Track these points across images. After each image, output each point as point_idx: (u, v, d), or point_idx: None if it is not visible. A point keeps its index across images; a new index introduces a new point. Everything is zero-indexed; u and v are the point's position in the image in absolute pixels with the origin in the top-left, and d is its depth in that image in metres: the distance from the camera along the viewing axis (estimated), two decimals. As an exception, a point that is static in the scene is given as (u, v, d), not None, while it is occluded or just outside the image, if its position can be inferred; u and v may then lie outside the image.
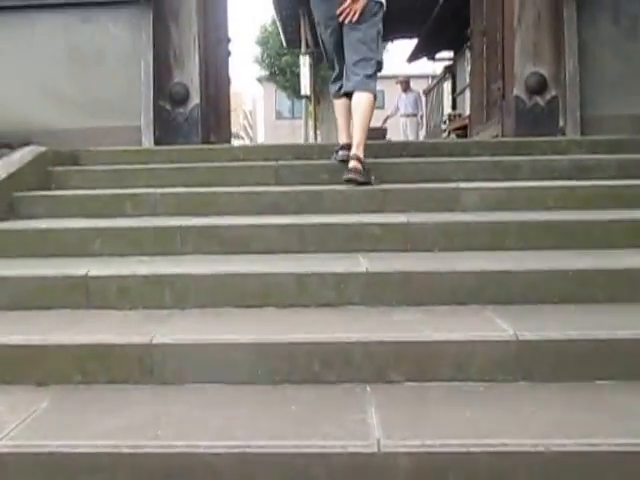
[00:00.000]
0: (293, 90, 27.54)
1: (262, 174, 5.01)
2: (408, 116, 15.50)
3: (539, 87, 7.86)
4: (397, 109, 15.69)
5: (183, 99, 7.94)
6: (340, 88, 5.06)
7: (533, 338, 2.74)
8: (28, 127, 7.73)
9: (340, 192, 4.45)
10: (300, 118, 28.91)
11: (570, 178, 4.82)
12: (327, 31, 4.99)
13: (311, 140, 16.70)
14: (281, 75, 28.33)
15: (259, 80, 35.11)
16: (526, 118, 7.82)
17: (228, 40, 9.99)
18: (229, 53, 10.13)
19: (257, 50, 29.72)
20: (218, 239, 3.92)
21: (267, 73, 29.96)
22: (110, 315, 3.26)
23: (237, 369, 2.78)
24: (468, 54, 15.95)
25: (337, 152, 5.11)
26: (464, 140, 5.33)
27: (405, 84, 15.70)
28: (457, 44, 16.33)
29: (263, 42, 29.13)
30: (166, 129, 7.93)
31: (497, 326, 2.88)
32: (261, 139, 56.71)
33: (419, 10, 13.60)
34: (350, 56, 4.82)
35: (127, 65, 7.90)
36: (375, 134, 14.38)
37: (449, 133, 14.78)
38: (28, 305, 3.37)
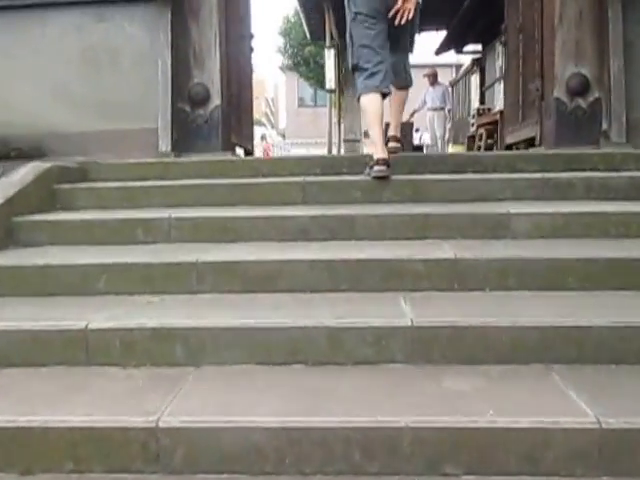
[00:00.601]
0: (317, 80, 26.97)
1: (287, 192, 4.51)
2: (436, 110, 14.91)
3: (581, 88, 7.31)
4: (424, 103, 15.10)
5: (203, 100, 7.46)
6: (379, 83, 4.68)
7: (620, 426, 2.22)
8: (40, 130, 7.31)
9: (375, 217, 3.94)
10: (323, 106, 28.44)
11: (629, 199, 4.29)
12: (373, 26, 4.75)
13: (335, 132, 16.18)
14: (304, 66, 27.75)
15: (281, 69, 34.49)
16: (567, 121, 7.27)
17: (251, 36, 9.49)
18: (252, 49, 9.64)
19: (280, 40, 29.19)
20: (239, 277, 3.43)
21: (290, 63, 29.34)
22: (112, 376, 2.77)
23: (260, 457, 2.28)
24: (499, 48, 15.36)
25: (372, 167, 4.58)
26: (508, 153, 4.82)
27: (433, 77, 15.11)
28: (486, 37, 15.73)
29: (286, 33, 28.53)
30: (185, 131, 7.45)
31: (572, 403, 2.36)
32: (283, 126, 56.34)
33: (449, 2, 13.00)
34: (401, 53, 5.06)
35: (144, 65, 7.43)
36: (402, 128, 13.88)
37: (477, 128, 14.20)
38: (18, 361, 2.90)
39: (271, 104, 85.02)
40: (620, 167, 4.80)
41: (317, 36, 16.91)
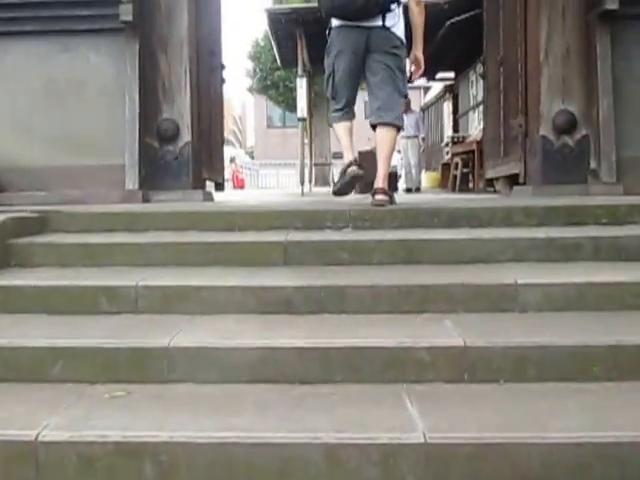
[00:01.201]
0: (287, 104, 26.62)
1: (268, 252, 4.04)
2: (409, 138, 14.54)
3: (568, 126, 6.99)
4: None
5: (173, 136, 7.04)
6: (346, 114, 5.32)
7: None
8: (0, 164, 6.81)
9: (368, 288, 3.48)
10: (292, 127, 27.97)
11: (641, 260, 3.90)
12: (349, 60, 5.03)
13: (306, 154, 15.74)
14: (274, 89, 27.37)
15: (250, 91, 34.01)
16: (553, 159, 6.95)
17: (222, 67, 9.07)
18: (223, 81, 9.22)
19: (248, 64, 28.78)
20: (217, 365, 2.95)
21: (259, 87, 28.91)
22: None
23: None
24: (472, 77, 15.12)
25: (345, 171, 5.26)
26: (505, 205, 4.39)
27: (406, 105, 14.74)
28: (459, 65, 15.47)
29: (255, 57, 28.16)
30: (154, 168, 7.02)
31: None
32: (250, 143, 55.80)
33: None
34: (376, 91, 5.07)
35: (110, 98, 7.01)
36: (374, 158, 13.46)
37: (452, 156, 13.86)
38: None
39: (238, 122, 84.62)
40: (625, 220, 4.40)
41: (288, 63, 16.52)
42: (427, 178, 16.90)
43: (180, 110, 7.08)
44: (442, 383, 2.87)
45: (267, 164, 36.62)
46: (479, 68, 14.20)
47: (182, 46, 7.05)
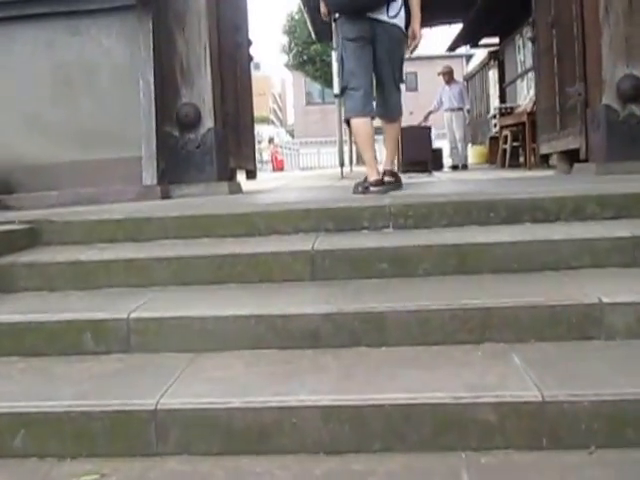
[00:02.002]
0: (324, 80, 25.73)
1: (291, 266, 3.34)
2: (453, 110, 13.67)
3: (635, 92, 6.16)
4: (441, 103, 13.90)
5: (193, 123, 6.35)
6: (362, 107, 5.01)
7: None
8: (6, 162, 6.24)
9: (415, 313, 2.76)
10: (332, 103, 27.13)
11: None
12: (358, 51, 4.97)
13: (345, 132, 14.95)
14: (311, 64, 26.51)
15: (287, 67, 33.15)
16: (619, 131, 6.13)
17: (249, 43, 8.35)
18: (251, 58, 8.51)
19: (284, 39, 27.96)
20: (218, 432, 2.27)
21: (295, 62, 28.08)
22: None
23: None
24: (519, 41, 14.17)
25: (367, 188, 4.94)
26: (575, 194, 3.59)
27: (448, 75, 13.89)
28: (504, 30, 14.53)
29: (290, 31, 27.32)
30: (174, 159, 6.35)
31: None
32: (291, 121, 55.04)
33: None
34: (387, 85, 5.13)
35: (124, 84, 6.34)
36: (418, 134, 12.68)
37: (501, 129, 12.97)
38: None
39: (278, 100, 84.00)
40: None
41: (323, 36, 15.68)
42: (473, 153, 15.99)
43: (201, 93, 6.40)
44: (513, 452, 2.16)
45: (307, 142, 35.84)
46: (527, 31, 13.30)
47: (200, 21, 6.35)
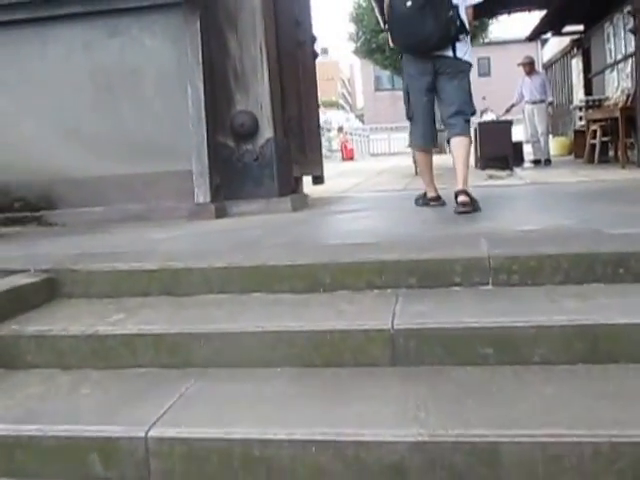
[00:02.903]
0: (394, 67, 24.73)
1: (364, 347, 2.57)
2: (535, 103, 12.62)
3: None
4: (521, 96, 12.90)
5: (250, 132, 5.64)
6: (422, 142, 5.37)
7: None
8: (48, 176, 5.70)
9: (539, 444, 1.95)
10: (402, 89, 25.96)
11: None
12: (419, 84, 5.19)
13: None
14: (379, 53, 25.52)
15: (355, 53, 32.09)
16: None
17: (313, 39, 7.59)
18: (315, 56, 7.76)
19: (351, 27, 27.02)
20: None
21: (363, 50, 27.11)
22: None
23: None
24: (609, 29, 13.07)
25: (427, 204, 5.44)
26: None
27: (529, 66, 12.87)
28: (591, 17, 13.44)
29: (357, 19, 26.38)
30: (229, 173, 5.67)
31: None
32: (360, 105, 53.93)
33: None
34: (449, 104, 5.14)
35: (171, 90, 5.70)
36: (498, 129, 11.74)
37: (588, 122, 11.93)
38: None
39: (347, 85, 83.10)
40: None
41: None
42: (555, 145, 14.91)
43: (258, 99, 5.67)
44: None
45: (377, 128, 34.95)
46: (618, 19, 12.24)
47: (255, 19, 5.62)
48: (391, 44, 5.45)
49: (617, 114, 10.07)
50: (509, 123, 11.84)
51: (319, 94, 8.29)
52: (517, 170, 11.21)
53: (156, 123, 5.69)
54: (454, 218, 4.71)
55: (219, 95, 5.65)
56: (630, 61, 11.63)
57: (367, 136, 34.13)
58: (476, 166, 12.13)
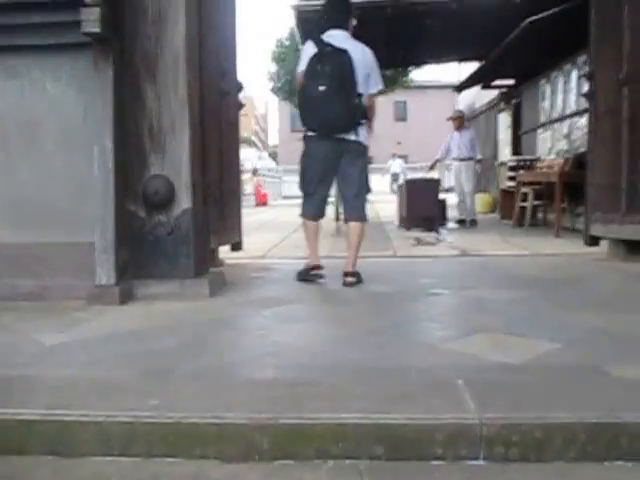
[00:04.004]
0: (315, 112, 24.07)
1: None
2: (463, 160, 12.06)
3: None
4: (448, 151, 12.41)
5: (165, 201, 4.86)
6: (312, 213, 5.61)
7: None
8: None
9: None
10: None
11: None
12: (320, 166, 5.49)
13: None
14: (299, 95, 24.84)
15: (273, 92, 31.44)
16: None
17: (239, 88, 6.85)
18: (240, 106, 7.02)
19: (272, 67, 26.41)
20: None
21: (284, 93, 26.49)
22: None
23: None
24: (544, 86, 12.68)
25: (309, 272, 5.61)
26: None
27: (459, 121, 12.39)
28: (525, 71, 13.07)
29: (280, 59, 25.78)
30: (139, 247, 4.86)
31: None
32: (273, 142, 53.11)
33: (490, 33, 10.41)
34: (349, 188, 5.58)
35: (75, 146, 4.88)
36: (424, 187, 11.16)
37: (518, 185, 11.44)
38: None
39: (261, 121, 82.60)
40: None
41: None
42: (478, 201, 14.31)
43: (175, 162, 4.87)
44: None
45: (291, 170, 34.37)
46: (556, 77, 11.88)
47: (178, 67, 4.83)
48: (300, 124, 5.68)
49: (554, 179, 9.60)
50: (436, 182, 11.30)
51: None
52: (443, 232, 10.66)
53: (55, 185, 4.84)
54: (403, 323, 4.03)
55: (131, 155, 4.83)
56: (567, 122, 11.27)
57: (280, 177, 33.57)
58: (400, 225, 11.54)
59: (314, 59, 5.29)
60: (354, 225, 5.55)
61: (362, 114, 5.39)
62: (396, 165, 33.55)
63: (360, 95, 5.33)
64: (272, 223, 13.53)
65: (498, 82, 14.95)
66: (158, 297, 4.71)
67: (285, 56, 25.13)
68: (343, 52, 5.23)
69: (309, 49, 5.41)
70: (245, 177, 25.69)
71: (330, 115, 5.22)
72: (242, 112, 7.40)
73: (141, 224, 4.88)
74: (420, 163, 38.58)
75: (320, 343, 3.55)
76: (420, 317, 4.31)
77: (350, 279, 5.42)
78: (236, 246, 6.99)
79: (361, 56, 5.34)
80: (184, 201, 4.86)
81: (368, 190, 5.68)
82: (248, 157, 32.00)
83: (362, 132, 5.45)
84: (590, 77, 6.84)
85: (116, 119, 4.66)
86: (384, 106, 43.83)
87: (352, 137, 5.37)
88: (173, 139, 4.85)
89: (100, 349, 3.44)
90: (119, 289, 4.58)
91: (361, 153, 5.51)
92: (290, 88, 25.51)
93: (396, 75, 24.72)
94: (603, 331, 3.66)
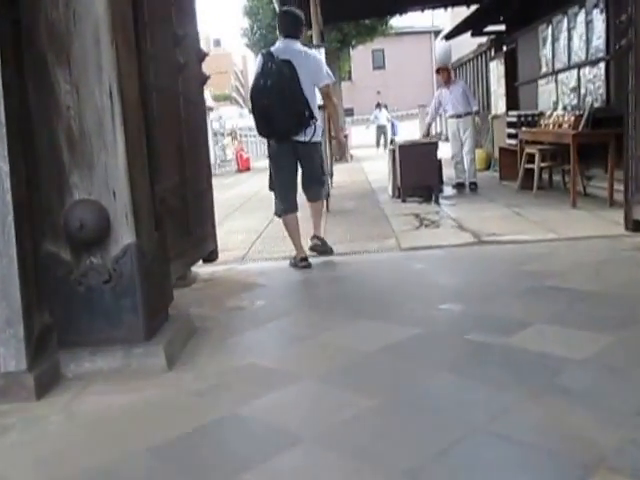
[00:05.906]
0: (290, 64, 22.22)
1: None
2: (460, 117, 10.26)
3: None
4: (437, 109, 10.71)
5: (96, 236, 3.20)
6: (287, 207, 5.72)
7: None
8: None
9: None
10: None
11: None
12: (284, 164, 5.71)
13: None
14: (275, 52, 22.93)
15: (250, 47, 29.25)
16: None
17: (201, 56, 5.18)
18: (205, 79, 5.35)
19: (245, 21, 24.38)
20: None
21: (258, 47, 24.47)
22: None
23: None
24: (546, 32, 10.91)
25: (296, 264, 5.68)
26: None
27: (446, 73, 10.64)
28: (518, 16, 11.31)
29: (252, 13, 23.74)
30: (66, 303, 3.20)
31: None
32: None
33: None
34: (308, 174, 5.82)
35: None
36: (422, 152, 9.44)
37: (521, 143, 9.74)
38: None
39: (240, 77, 79.83)
40: None
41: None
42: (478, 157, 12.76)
43: (108, 179, 3.23)
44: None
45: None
46: (559, 22, 10.13)
47: (100, 42, 3.16)
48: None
49: (567, 140, 7.96)
50: (434, 145, 9.60)
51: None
52: (443, 203, 9.05)
53: None
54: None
55: (44, 176, 3.18)
56: (574, 73, 9.59)
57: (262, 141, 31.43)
58: (394, 196, 9.89)
59: (259, 75, 5.47)
60: (312, 204, 6.03)
61: (308, 118, 5.51)
62: (382, 116, 28.15)
63: (305, 99, 5.45)
64: (254, 198, 11.74)
65: (491, 28, 13.17)
66: (95, 377, 3.12)
67: (257, 10, 23.12)
68: (286, 63, 5.37)
69: (258, 64, 5.60)
70: (225, 142, 23.81)
71: (279, 125, 5.45)
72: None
73: (67, 270, 3.24)
74: (402, 111, 36.66)
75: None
76: (475, 425, 2.48)
77: (315, 241, 6.08)
78: (210, 256, 5.42)
79: (304, 61, 5.47)
80: (124, 234, 3.23)
81: (324, 176, 6.24)
82: (229, 116, 30.02)
83: (313, 131, 5.63)
84: (625, 24, 5.19)
85: (12, 124, 2.98)
86: (363, 55, 41.88)
87: (305, 138, 5.60)
88: (102, 146, 3.19)
89: None
90: (33, 378, 2.95)
91: (316, 149, 5.83)
92: (265, 43, 23.51)
93: (375, 23, 22.93)
94: None
